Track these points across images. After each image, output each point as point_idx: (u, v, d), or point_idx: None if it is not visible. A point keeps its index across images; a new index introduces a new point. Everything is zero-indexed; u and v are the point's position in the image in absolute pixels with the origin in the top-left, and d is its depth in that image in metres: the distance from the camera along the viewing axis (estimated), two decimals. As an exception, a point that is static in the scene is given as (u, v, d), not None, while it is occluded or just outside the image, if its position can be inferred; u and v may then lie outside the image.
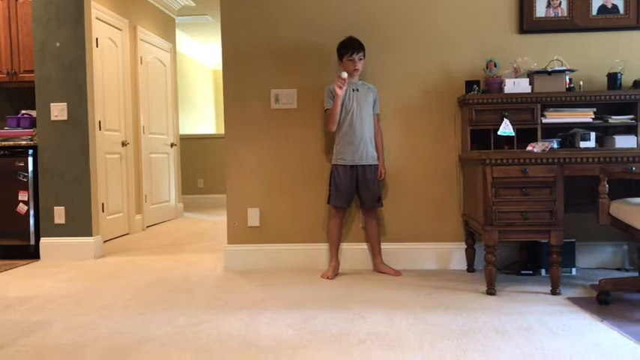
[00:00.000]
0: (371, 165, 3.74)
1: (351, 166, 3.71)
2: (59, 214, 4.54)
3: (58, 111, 4.51)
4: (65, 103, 4.51)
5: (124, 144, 5.81)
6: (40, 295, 3.42)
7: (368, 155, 3.73)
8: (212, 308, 3.04)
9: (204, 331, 2.66)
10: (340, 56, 3.74)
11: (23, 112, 5.00)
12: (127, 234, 5.84)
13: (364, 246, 3.93)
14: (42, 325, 2.80)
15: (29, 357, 2.36)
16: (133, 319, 2.88)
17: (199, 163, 8.53)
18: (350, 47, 3.70)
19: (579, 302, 3.01)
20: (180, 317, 2.88)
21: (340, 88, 3.61)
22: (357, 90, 3.73)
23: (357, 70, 3.72)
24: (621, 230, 2.99)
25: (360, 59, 3.72)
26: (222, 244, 4.17)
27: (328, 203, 3.80)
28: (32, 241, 4.59)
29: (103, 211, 5.18)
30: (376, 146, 3.81)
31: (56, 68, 4.52)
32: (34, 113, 4.74)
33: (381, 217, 3.90)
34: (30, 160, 4.58)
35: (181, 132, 7.82)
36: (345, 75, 3.62)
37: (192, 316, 2.89)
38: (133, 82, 6.12)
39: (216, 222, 6.65)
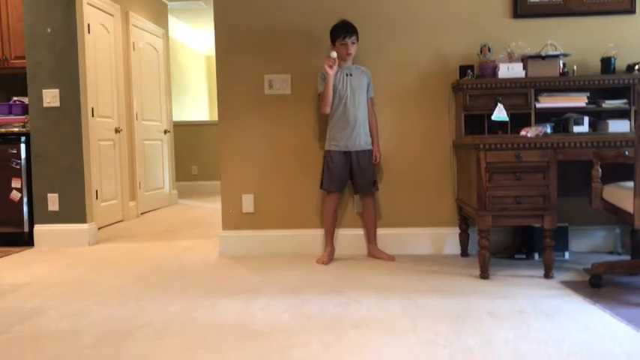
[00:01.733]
0: (364, 150, 3.74)
1: (345, 152, 3.71)
2: (53, 201, 4.53)
3: (51, 97, 4.48)
4: (57, 90, 4.48)
5: (117, 131, 5.78)
6: (35, 282, 3.42)
7: (362, 141, 3.72)
8: (207, 294, 3.05)
9: (200, 316, 2.67)
10: (333, 40, 3.72)
11: (15, 98, 4.96)
12: (121, 221, 5.84)
13: (359, 231, 3.95)
14: (37, 311, 2.80)
15: (25, 343, 2.37)
16: (128, 305, 2.88)
17: (193, 150, 8.50)
18: (343, 31, 3.69)
19: (572, 285, 3.04)
20: (176, 303, 2.88)
21: (330, 67, 3.60)
22: (351, 75, 3.72)
23: (350, 54, 3.71)
24: (614, 214, 3.01)
25: (353, 43, 3.70)
26: (217, 231, 4.17)
27: (321, 188, 3.80)
28: (26, 229, 4.58)
29: (96, 198, 5.17)
30: (371, 130, 3.80)
31: (48, 54, 4.48)
32: (25, 100, 4.71)
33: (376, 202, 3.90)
34: (22, 147, 4.55)
35: (175, 118, 7.79)
36: (334, 54, 3.61)
37: (188, 302, 2.90)
38: (126, 69, 6.08)
39: (211, 208, 6.65)
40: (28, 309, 2.86)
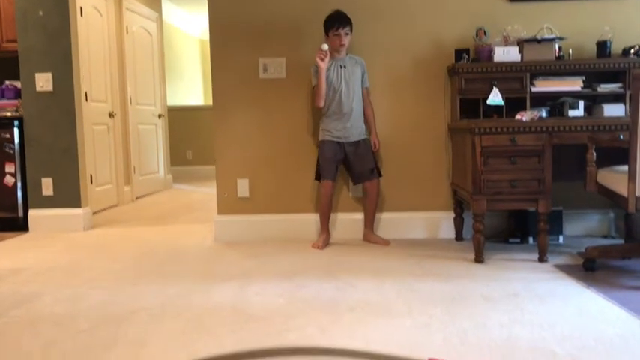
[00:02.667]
0: (359, 140, 3.73)
1: (339, 142, 3.70)
2: (47, 186, 4.52)
3: (43, 81, 4.45)
4: (50, 74, 4.44)
5: (111, 115, 5.75)
6: (30, 266, 3.41)
7: (356, 132, 3.71)
8: (203, 278, 3.06)
9: (196, 300, 2.68)
10: (326, 31, 3.69)
11: (7, 82, 4.92)
12: (116, 205, 5.83)
13: (354, 216, 3.95)
14: (33, 296, 2.80)
15: (21, 327, 2.37)
16: (123, 289, 2.89)
17: (188, 135, 8.47)
18: (336, 22, 3.65)
19: (566, 269, 3.06)
20: (171, 287, 2.89)
21: (322, 60, 3.57)
22: (345, 67, 3.70)
23: (344, 45, 3.67)
24: (608, 198, 3.02)
25: (347, 34, 3.67)
26: (212, 215, 4.17)
27: (316, 180, 3.79)
28: (20, 214, 4.57)
29: (91, 183, 5.15)
30: (368, 120, 3.79)
31: (40, 38, 4.44)
32: (18, 84, 4.67)
33: (370, 186, 3.90)
34: (16, 131, 4.52)
35: (169, 103, 7.75)
36: (325, 47, 3.58)
37: (183, 287, 2.90)
38: (119, 53, 6.03)
39: (206, 193, 6.64)
40: (24, 293, 2.86)
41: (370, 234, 3.84)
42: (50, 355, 2.07)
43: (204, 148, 8.29)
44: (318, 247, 3.67)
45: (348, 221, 3.96)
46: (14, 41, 4.67)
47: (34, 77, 4.45)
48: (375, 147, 3.80)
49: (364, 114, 3.79)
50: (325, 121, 3.74)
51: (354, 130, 3.70)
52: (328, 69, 3.65)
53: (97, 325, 2.38)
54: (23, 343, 2.20)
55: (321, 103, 3.70)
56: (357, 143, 3.72)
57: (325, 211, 3.79)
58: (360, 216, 3.92)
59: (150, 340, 2.20)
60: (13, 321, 2.45)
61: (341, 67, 3.69)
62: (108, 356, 2.05)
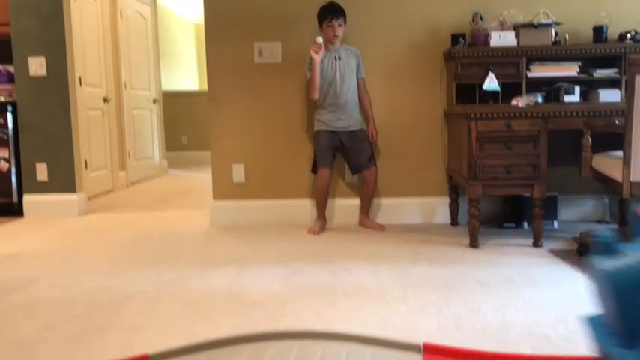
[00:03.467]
0: (355, 131, 3.72)
1: (335, 133, 3.69)
2: (41, 171, 4.50)
3: (37, 66, 4.41)
4: (44, 58, 4.41)
5: (105, 100, 5.72)
6: (25, 252, 3.41)
7: (352, 124, 3.70)
8: (199, 263, 3.06)
9: (192, 285, 2.68)
10: (320, 22, 3.66)
11: (0, 67, 4.87)
12: (111, 191, 5.81)
13: (350, 202, 3.95)
14: (29, 281, 2.80)
15: (17, 312, 2.37)
16: (120, 274, 2.89)
17: (183, 120, 8.44)
18: (329, 13, 3.62)
19: (560, 254, 3.07)
20: (168, 272, 2.89)
21: (316, 53, 3.55)
22: (340, 58, 3.67)
23: (337, 36, 3.65)
24: (603, 183, 3.04)
25: (340, 25, 3.64)
26: (208, 201, 4.17)
27: (313, 172, 3.78)
28: (15, 199, 4.55)
29: (86, 168, 5.13)
30: (365, 111, 3.78)
31: (33, 21, 4.39)
32: (11, 68, 4.63)
33: (366, 172, 3.90)
34: (9, 116, 4.49)
35: (164, 88, 7.71)
36: (320, 40, 3.55)
37: (179, 272, 2.91)
38: (113, 37, 5.98)
39: (201, 178, 6.63)
40: (20, 278, 2.86)
41: (366, 220, 3.85)
42: (47, 340, 2.08)
43: (199, 133, 8.26)
44: (313, 233, 3.68)
45: (344, 207, 3.96)
46: (7, 25, 4.62)
47: (27, 62, 4.42)
48: (373, 137, 3.79)
49: (361, 105, 3.77)
50: (320, 113, 3.72)
51: (349, 121, 3.69)
52: (322, 61, 3.63)
53: (93, 309, 2.38)
54: (20, 327, 2.21)
55: (316, 96, 3.68)
56: (353, 134, 3.71)
57: (322, 200, 3.78)
58: (356, 201, 3.93)
59: (146, 324, 2.21)
60: (10, 306, 2.45)
61: (335, 58, 3.67)
62: (104, 341, 2.06)
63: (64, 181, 4.51)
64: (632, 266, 1.28)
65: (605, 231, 1.40)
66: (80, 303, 2.46)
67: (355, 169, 3.79)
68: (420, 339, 1.64)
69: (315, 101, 3.73)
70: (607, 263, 1.31)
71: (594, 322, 1.39)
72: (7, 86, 4.69)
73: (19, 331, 2.18)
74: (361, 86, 3.77)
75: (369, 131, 3.79)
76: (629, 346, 1.26)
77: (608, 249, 1.37)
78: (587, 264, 1.37)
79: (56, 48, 4.41)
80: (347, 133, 3.70)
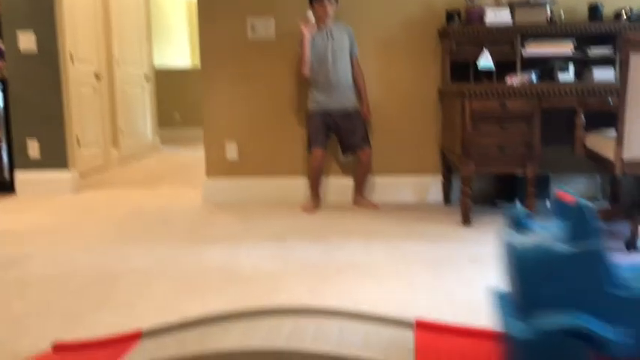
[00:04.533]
0: (349, 112, 3.69)
1: (328, 112, 3.67)
2: (33, 148, 4.46)
3: (27, 41, 4.35)
4: (33, 34, 4.34)
5: (97, 76, 5.66)
6: (18, 228, 3.40)
7: (345, 102, 3.68)
8: (192, 240, 3.07)
9: (185, 262, 2.69)
10: (310, 0, 3.62)
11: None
12: (103, 168, 5.78)
13: (344, 180, 3.95)
14: (23, 258, 2.80)
15: (11, 288, 2.38)
16: (113, 251, 2.89)
17: (175, 96, 8.37)
18: None
19: (552, 232, 3.09)
20: (161, 249, 2.90)
21: (306, 28, 3.51)
22: (332, 37, 3.63)
23: (328, 15, 3.60)
24: (595, 162, 3.05)
25: (331, 3, 3.59)
26: (201, 178, 4.16)
27: (308, 150, 3.76)
28: (7, 176, 4.52)
29: (78, 145, 5.09)
30: (358, 90, 3.76)
31: (22, -5, 4.33)
32: (1, 44, 4.56)
33: (359, 150, 3.89)
34: None
35: (156, 64, 7.63)
36: (310, 16, 3.52)
37: (173, 248, 2.91)
38: (104, 13, 5.89)
39: (194, 155, 6.60)
40: (13, 255, 2.85)
41: (360, 198, 3.85)
42: (40, 316, 2.08)
43: (192, 109, 8.20)
44: (307, 211, 3.68)
45: (338, 185, 3.96)
46: (-4, -1, 4.55)
47: (17, 37, 4.35)
48: (365, 118, 3.77)
49: (355, 84, 3.75)
50: (313, 92, 3.70)
51: (343, 100, 3.67)
52: (314, 39, 3.60)
53: (87, 286, 2.39)
54: (13, 303, 2.21)
55: (307, 72, 3.64)
56: (347, 114, 3.69)
57: (315, 179, 3.77)
58: (350, 180, 3.92)
59: (140, 301, 2.22)
60: (3, 282, 2.45)
61: (328, 37, 3.63)
62: (99, 317, 2.07)
63: (55, 157, 4.48)
64: (537, 246, 1.32)
65: (518, 206, 1.45)
66: (73, 279, 2.47)
67: (348, 149, 3.78)
68: (412, 315, 1.66)
69: (307, 78, 3.70)
70: (515, 238, 1.36)
71: (500, 296, 1.43)
72: (-3, 62, 4.63)
73: (11, 307, 2.18)
74: (355, 65, 3.74)
75: (361, 110, 3.77)
76: (523, 318, 1.31)
77: (518, 224, 1.41)
78: (499, 236, 1.40)
79: (46, 23, 4.34)
80: (341, 114, 3.68)
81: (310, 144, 3.73)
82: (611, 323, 1.27)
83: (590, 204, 1.32)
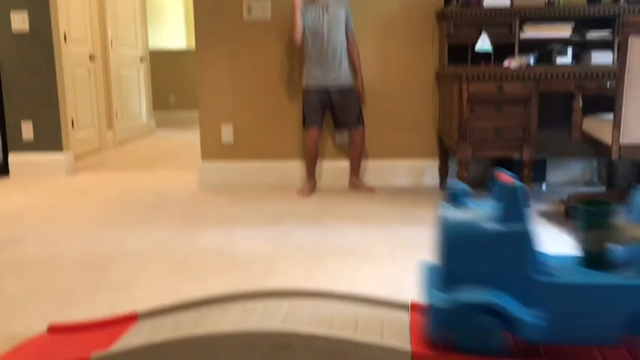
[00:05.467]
0: (345, 89, 3.67)
1: (323, 89, 3.64)
2: (27, 130, 4.43)
3: (19, 21, 4.29)
4: (26, 12, 4.28)
5: (91, 57, 5.60)
6: (12, 210, 3.38)
7: (341, 78, 3.65)
8: (187, 223, 3.06)
9: (180, 244, 2.68)
10: None
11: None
12: (98, 150, 5.76)
13: (340, 164, 3.94)
14: (16, 239, 2.79)
15: (5, 270, 2.36)
16: (107, 233, 2.88)
17: (170, 79, 8.31)
18: None
19: (548, 216, 3.10)
20: (156, 232, 2.89)
21: None
22: (327, 9, 3.58)
23: None
24: (592, 145, 3.04)
25: None
26: (196, 161, 4.14)
27: (304, 127, 3.74)
28: (1, 158, 4.49)
29: (72, 127, 5.06)
30: (353, 65, 3.72)
31: (14, -26, 4.27)
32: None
33: (356, 133, 3.87)
34: (-8, 73, 4.40)
35: (151, 46, 7.56)
36: None
37: (168, 231, 2.90)
38: (98, -8, 5.83)
39: (189, 138, 6.58)
40: (6, 237, 2.84)
41: (356, 181, 3.84)
42: (34, 298, 2.07)
43: (187, 92, 8.15)
44: (303, 195, 3.67)
45: (334, 169, 3.95)
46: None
47: (9, 16, 4.29)
48: (359, 93, 3.74)
49: (350, 59, 3.72)
50: (308, 67, 3.67)
51: (338, 75, 3.64)
52: (310, 13, 3.56)
53: (81, 268, 2.38)
54: (7, 285, 2.20)
55: (298, 40, 3.60)
56: (342, 90, 3.67)
57: (311, 160, 3.76)
58: (346, 163, 3.91)
59: (133, 282, 2.21)
60: (-3, 264, 2.44)
61: (322, 9, 3.59)
62: (93, 299, 2.06)
63: (50, 139, 4.45)
64: (466, 221, 1.37)
65: (459, 183, 1.48)
66: (68, 262, 2.46)
67: (342, 126, 3.77)
68: (407, 298, 1.66)
69: (299, 47, 3.66)
70: (449, 212, 1.40)
71: (430, 269, 1.46)
72: (-10, 42, 4.58)
73: (6, 289, 2.17)
74: (350, 39, 3.70)
75: (355, 86, 3.74)
76: (445, 289, 1.35)
77: (456, 200, 1.45)
78: (436, 211, 1.44)
79: (39, 2, 4.28)
80: (337, 90, 3.65)
81: (305, 123, 3.71)
82: (528, 305, 1.31)
83: (522, 186, 1.35)
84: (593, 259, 1.40)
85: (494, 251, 1.33)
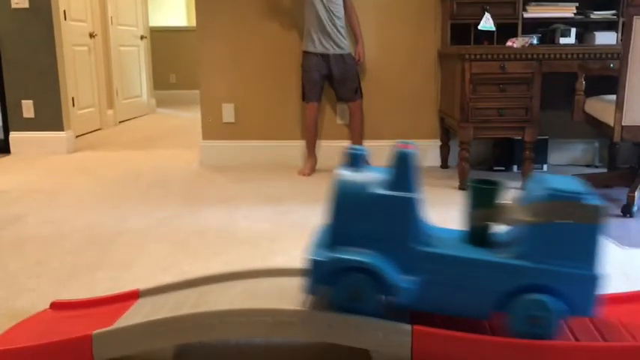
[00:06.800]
0: (343, 54, 3.64)
1: (322, 55, 3.61)
2: (28, 108, 4.42)
3: (19, -3, 4.26)
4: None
5: (91, 35, 5.56)
6: (13, 189, 3.39)
7: (340, 42, 3.60)
8: (189, 202, 3.06)
9: (182, 224, 2.69)
10: None
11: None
12: (99, 129, 5.74)
13: (341, 143, 3.92)
14: (17, 218, 2.80)
15: (7, 248, 2.38)
16: (109, 212, 2.89)
17: (171, 57, 8.27)
18: None
19: (548, 197, 3.09)
20: (157, 211, 2.89)
21: None
22: None
23: None
24: (594, 127, 3.03)
25: None
26: (197, 140, 4.13)
27: (304, 101, 3.73)
28: (1, 136, 4.49)
29: (73, 106, 5.04)
30: (353, 30, 3.69)
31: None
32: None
33: (357, 113, 3.86)
34: (-8, 50, 4.37)
35: (151, 24, 7.51)
36: None
37: (169, 210, 2.91)
38: (98, -31, 5.77)
39: (190, 118, 6.56)
40: (8, 215, 2.85)
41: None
42: (36, 276, 2.08)
43: (188, 71, 8.10)
44: (304, 175, 3.67)
45: (335, 148, 3.93)
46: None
47: (9, -7, 4.26)
48: (360, 58, 3.71)
49: (349, 23, 3.68)
50: (308, 30, 3.61)
51: (337, 43, 3.59)
52: None
53: (83, 246, 2.39)
54: (9, 263, 2.21)
55: None
56: (341, 58, 3.63)
57: (311, 135, 3.75)
58: (347, 143, 3.90)
59: (135, 261, 2.22)
60: (0, 242, 2.46)
61: None
62: (94, 277, 2.07)
63: (51, 118, 4.44)
64: (355, 182, 1.40)
65: (358, 147, 1.51)
66: (69, 240, 2.47)
67: (338, 97, 3.77)
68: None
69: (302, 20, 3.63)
70: (343, 175, 1.43)
71: (323, 229, 1.47)
72: (-11, 19, 4.54)
73: (8, 266, 2.18)
74: (348, 5, 3.65)
75: (356, 52, 3.71)
76: (329, 247, 1.38)
77: (355, 164, 1.47)
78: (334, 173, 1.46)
79: (39, -21, 4.25)
80: (336, 57, 3.60)
81: (305, 96, 3.69)
82: (406, 272, 1.35)
83: (412, 152, 1.40)
84: (477, 235, 1.44)
85: (377, 214, 1.37)
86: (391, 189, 1.37)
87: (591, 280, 1.32)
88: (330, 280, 1.35)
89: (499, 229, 1.45)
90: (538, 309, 1.32)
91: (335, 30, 3.58)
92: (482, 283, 1.35)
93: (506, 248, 1.38)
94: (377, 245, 1.36)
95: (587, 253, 1.32)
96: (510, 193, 1.45)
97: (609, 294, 1.52)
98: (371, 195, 1.37)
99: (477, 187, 1.44)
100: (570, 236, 1.32)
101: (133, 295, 1.68)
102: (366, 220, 1.37)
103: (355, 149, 1.49)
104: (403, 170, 1.38)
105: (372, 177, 1.41)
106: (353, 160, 1.47)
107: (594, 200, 1.32)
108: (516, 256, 1.34)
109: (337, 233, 1.39)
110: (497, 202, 1.41)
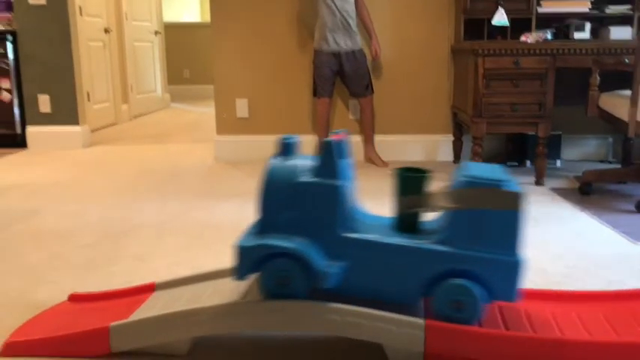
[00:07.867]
0: (354, 51, 3.65)
1: (334, 53, 3.62)
2: (44, 103, 4.47)
3: (36, -6, 4.31)
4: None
5: (106, 31, 5.61)
6: (30, 183, 3.44)
7: (351, 40, 3.62)
8: (204, 196, 3.09)
9: (197, 217, 2.72)
10: None
11: (-2, -6, 4.77)
12: (114, 124, 5.80)
13: (353, 138, 3.94)
14: (35, 212, 2.84)
15: (25, 240, 2.42)
16: (124, 206, 2.92)
17: (185, 53, 8.31)
18: None
19: (562, 193, 3.09)
20: (172, 204, 2.92)
21: None
22: None
23: None
24: (608, 122, 3.02)
25: None
26: (212, 135, 4.16)
27: (315, 96, 3.74)
28: (18, 130, 4.54)
29: (88, 100, 5.09)
30: (366, 27, 3.70)
31: (30, -54, 4.26)
32: (10, -4, 4.52)
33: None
34: (9, 46, 4.42)
35: (165, 19, 7.55)
36: None
37: (184, 204, 2.94)
38: (113, -35, 5.81)
39: (204, 113, 6.60)
40: (26, 209, 2.89)
41: (371, 151, 3.84)
42: (55, 267, 2.12)
43: (202, 66, 8.14)
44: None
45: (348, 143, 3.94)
46: (3, -50, 4.49)
47: (26, -11, 4.31)
48: (376, 54, 3.72)
49: (361, 20, 3.68)
50: (319, 28, 3.63)
51: (349, 38, 3.61)
52: None
53: (100, 239, 2.42)
54: (28, 255, 2.25)
55: None
56: (352, 55, 3.64)
57: (323, 130, 3.76)
58: (359, 138, 3.91)
59: (152, 254, 2.25)
60: (17, 235, 2.50)
61: None
62: (111, 269, 2.11)
63: (66, 113, 4.49)
64: (282, 169, 1.44)
65: (292, 137, 1.55)
66: (86, 233, 2.50)
67: (350, 93, 3.78)
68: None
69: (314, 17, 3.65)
70: (274, 163, 1.48)
71: (257, 219, 1.49)
72: (6, 14, 4.60)
73: (27, 258, 2.22)
74: (359, 2, 3.66)
75: (371, 48, 3.72)
76: (258, 235, 1.42)
77: (286, 152, 1.52)
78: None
79: (55, -25, 4.29)
80: (347, 53, 3.62)
81: (316, 92, 3.71)
82: (332, 257, 1.38)
83: (339, 141, 1.43)
84: (404, 222, 1.47)
85: (303, 201, 1.40)
86: (319, 177, 1.40)
87: (512, 265, 1.34)
88: (258, 267, 1.38)
89: (429, 216, 1.47)
90: (461, 294, 1.34)
91: (348, 28, 3.59)
92: (407, 269, 1.37)
93: (431, 235, 1.41)
94: (304, 232, 1.39)
95: (508, 240, 1.34)
96: (438, 182, 1.46)
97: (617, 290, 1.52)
98: (297, 182, 1.41)
99: (403, 174, 1.48)
100: (490, 223, 1.33)
101: (149, 288, 1.71)
102: (292, 207, 1.40)
103: (286, 139, 1.52)
104: (333, 159, 1.40)
105: (300, 165, 1.44)
106: (284, 150, 1.51)
107: (513, 187, 1.33)
108: (439, 242, 1.37)
109: (266, 221, 1.43)
110: (422, 190, 1.44)
